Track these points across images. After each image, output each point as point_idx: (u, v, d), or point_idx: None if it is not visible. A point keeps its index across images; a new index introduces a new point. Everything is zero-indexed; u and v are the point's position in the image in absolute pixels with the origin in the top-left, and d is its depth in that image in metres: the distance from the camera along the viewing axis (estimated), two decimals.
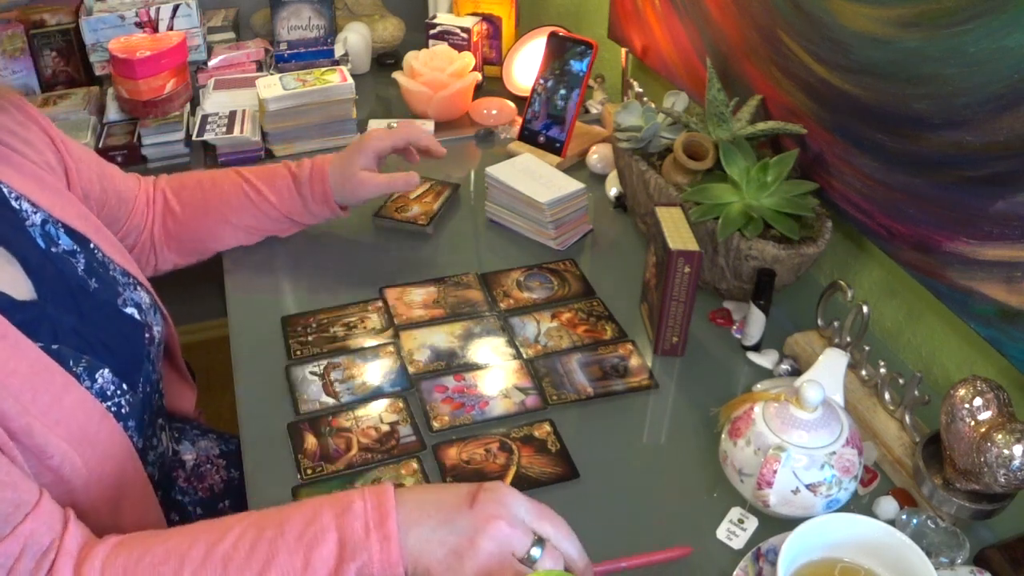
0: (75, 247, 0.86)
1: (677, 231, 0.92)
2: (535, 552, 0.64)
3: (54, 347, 0.75)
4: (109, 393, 0.79)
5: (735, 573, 0.72)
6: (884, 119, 0.89)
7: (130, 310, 0.89)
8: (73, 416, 0.74)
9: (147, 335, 0.90)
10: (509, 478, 0.82)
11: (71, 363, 0.76)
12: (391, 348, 0.98)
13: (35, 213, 0.83)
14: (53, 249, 0.83)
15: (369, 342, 0.99)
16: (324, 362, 0.96)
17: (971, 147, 0.80)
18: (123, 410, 0.80)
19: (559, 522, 0.67)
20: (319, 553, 0.63)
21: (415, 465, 0.84)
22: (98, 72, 1.62)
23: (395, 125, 1.16)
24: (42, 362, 0.73)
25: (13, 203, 0.81)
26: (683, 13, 1.25)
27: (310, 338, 1.00)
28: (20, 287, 0.77)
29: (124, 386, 0.81)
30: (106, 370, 0.79)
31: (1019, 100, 0.73)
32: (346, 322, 1.02)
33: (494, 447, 0.86)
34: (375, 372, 0.95)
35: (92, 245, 0.88)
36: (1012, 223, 0.77)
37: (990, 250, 0.81)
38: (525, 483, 0.82)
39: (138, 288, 0.92)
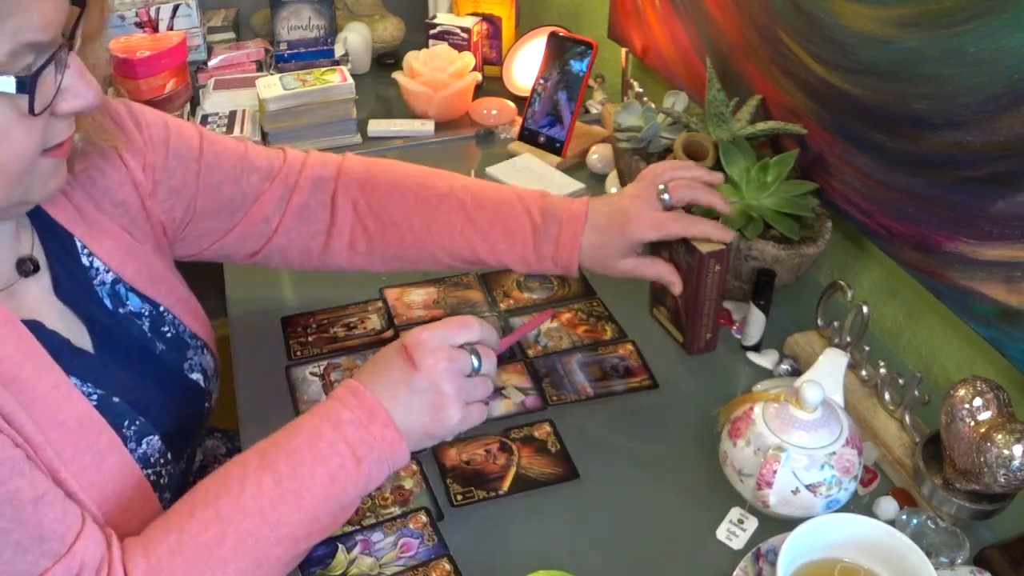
0: (143, 308, 0.82)
1: None
2: (475, 362, 0.75)
3: (114, 399, 0.74)
4: (152, 461, 0.77)
5: (735, 573, 0.72)
6: (884, 119, 0.89)
7: (196, 376, 0.86)
8: (109, 481, 0.72)
9: (207, 404, 0.88)
10: (509, 478, 0.82)
11: (125, 423, 0.74)
12: None
13: (106, 272, 0.80)
14: (120, 310, 0.80)
15: (369, 343, 0.99)
16: (324, 363, 0.96)
17: (971, 147, 0.80)
18: (162, 480, 0.78)
19: (461, 324, 0.76)
20: (337, 463, 0.70)
21: (415, 466, 0.84)
22: None
23: (667, 196, 0.90)
24: (90, 418, 0.71)
25: (84, 260, 0.78)
26: (683, 13, 1.25)
27: (310, 338, 1.00)
28: (80, 337, 0.76)
29: (169, 455, 0.79)
30: (156, 438, 0.77)
31: (1019, 100, 0.73)
32: (346, 322, 1.02)
33: (494, 447, 0.86)
34: None
35: (162, 308, 0.84)
36: (1012, 223, 0.77)
37: (990, 250, 0.80)
38: (525, 483, 0.82)
39: (205, 352, 0.89)
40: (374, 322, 1.02)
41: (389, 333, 1.00)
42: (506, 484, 0.82)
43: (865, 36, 0.89)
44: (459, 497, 0.81)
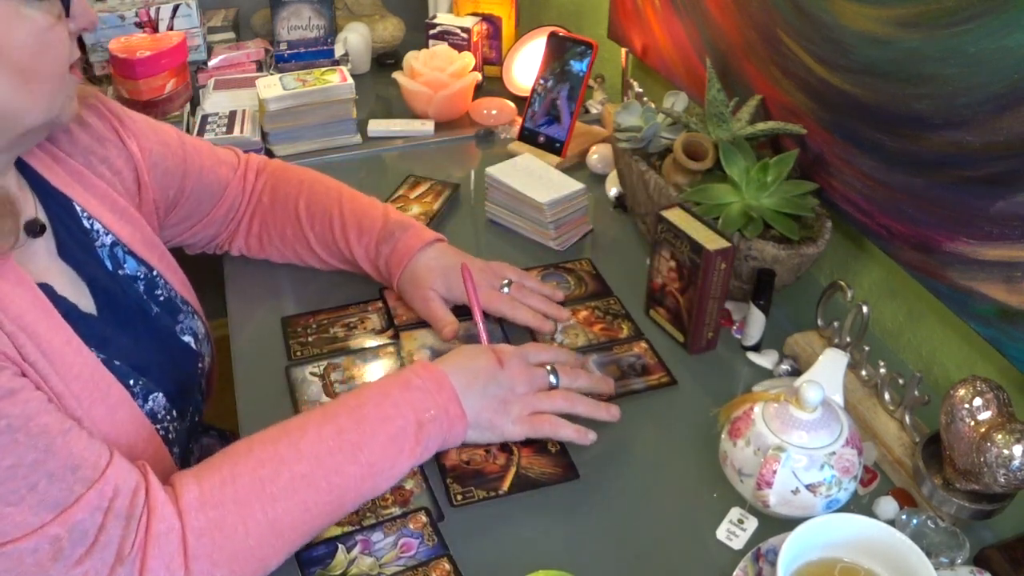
0: (139, 271, 0.87)
1: (696, 232, 0.92)
2: (552, 380, 0.86)
3: (115, 363, 0.77)
4: (159, 417, 0.81)
5: (735, 573, 0.72)
6: (884, 119, 0.89)
7: (187, 338, 0.91)
8: (124, 432, 0.75)
9: (200, 365, 0.92)
10: (509, 478, 0.82)
11: (130, 381, 0.78)
12: (391, 349, 0.98)
13: (106, 235, 0.84)
14: (120, 271, 0.85)
15: (369, 343, 0.99)
16: (324, 363, 0.96)
17: (971, 147, 0.80)
18: (170, 435, 0.82)
19: (538, 347, 0.89)
20: (399, 424, 0.75)
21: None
22: (98, 72, 1.62)
23: (506, 290, 0.99)
24: (100, 372, 0.74)
25: (85, 223, 0.83)
26: (683, 13, 1.25)
27: (310, 339, 1.00)
28: (84, 302, 0.79)
29: (174, 413, 0.83)
30: (160, 395, 0.81)
31: (1019, 100, 0.73)
32: (346, 323, 1.02)
33: (494, 447, 0.85)
34: (375, 373, 0.94)
35: (155, 272, 0.89)
36: (1012, 223, 0.77)
37: (990, 250, 0.80)
38: (525, 483, 0.82)
39: (195, 317, 0.93)
40: (374, 322, 1.02)
41: (389, 333, 1.00)
42: (506, 484, 0.82)
43: (865, 36, 0.89)
44: (459, 497, 0.81)
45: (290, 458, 0.70)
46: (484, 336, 0.91)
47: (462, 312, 0.98)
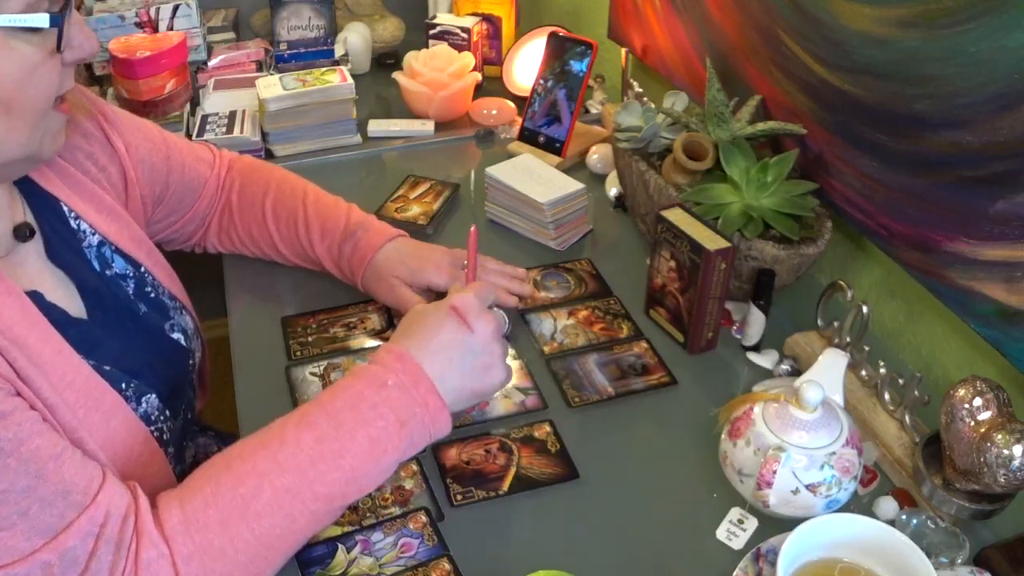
0: (127, 270, 0.86)
1: (696, 231, 0.92)
2: (507, 321, 0.90)
3: (106, 368, 0.76)
4: (153, 418, 0.80)
5: (735, 573, 0.72)
6: (884, 119, 0.89)
7: (177, 335, 0.90)
8: (120, 438, 0.74)
9: (191, 361, 0.92)
10: (509, 478, 0.82)
11: (122, 385, 0.77)
12: None
13: (93, 235, 0.83)
14: (107, 272, 0.84)
15: (369, 343, 0.99)
16: (324, 363, 0.96)
17: (971, 147, 0.80)
18: (164, 436, 0.82)
19: (484, 286, 0.83)
20: (379, 426, 0.72)
21: (415, 467, 0.84)
22: (98, 72, 1.62)
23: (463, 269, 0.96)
24: (93, 380, 0.73)
25: (72, 223, 0.82)
26: (683, 13, 1.25)
27: (310, 339, 1.00)
28: (74, 305, 0.79)
29: (167, 412, 0.83)
30: (153, 396, 0.81)
31: (1019, 100, 0.73)
32: (346, 323, 1.02)
33: (494, 447, 0.86)
34: None
35: (143, 269, 0.88)
36: (1012, 223, 0.77)
37: (990, 250, 0.80)
38: (525, 483, 0.82)
39: (184, 313, 0.93)
40: (374, 322, 1.02)
41: (389, 333, 1.00)
42: (506, 484, 0.82)
43: (865, 36, 0.89)
44: (459, 497, 0.81)
45: (271, 472, 0.68)
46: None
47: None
